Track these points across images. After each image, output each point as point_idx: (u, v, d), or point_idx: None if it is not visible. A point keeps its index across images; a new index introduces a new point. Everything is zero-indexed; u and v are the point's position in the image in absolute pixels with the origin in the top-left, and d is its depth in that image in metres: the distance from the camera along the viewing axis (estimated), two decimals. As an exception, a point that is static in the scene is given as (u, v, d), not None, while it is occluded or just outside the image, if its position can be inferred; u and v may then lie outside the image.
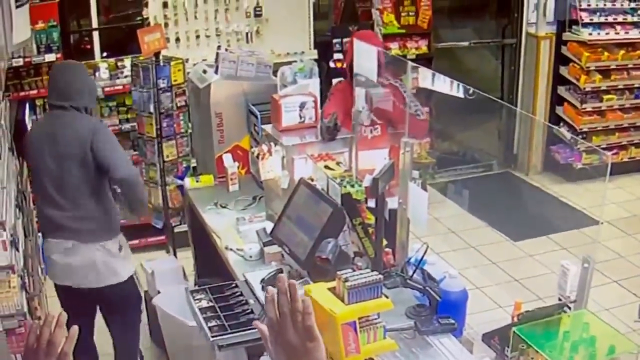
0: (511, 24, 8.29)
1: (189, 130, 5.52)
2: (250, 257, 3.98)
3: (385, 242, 3.56)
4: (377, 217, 3.41)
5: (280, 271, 3.69)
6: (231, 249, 4.10)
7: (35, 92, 6.28)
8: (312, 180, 3.83)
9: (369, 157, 3.86)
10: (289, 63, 5.13)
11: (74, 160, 4.20)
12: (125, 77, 6.39)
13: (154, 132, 5.33)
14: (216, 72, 5.16)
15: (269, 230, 3.93)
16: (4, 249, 3.24)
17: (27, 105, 6.24)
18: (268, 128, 4.47)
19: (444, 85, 3.20)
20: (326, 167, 3.87)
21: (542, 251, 6.47)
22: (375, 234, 3.45)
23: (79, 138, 4.20)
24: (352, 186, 3.55)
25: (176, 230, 5.58)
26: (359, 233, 3.49)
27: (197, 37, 6.66)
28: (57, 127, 4.26)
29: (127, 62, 6.36)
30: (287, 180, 4.15)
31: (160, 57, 5.42)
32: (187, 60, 6.02)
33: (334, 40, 7.22)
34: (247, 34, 6.81)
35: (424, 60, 7.17)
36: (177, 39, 6.61)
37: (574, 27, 7.90)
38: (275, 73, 4.95)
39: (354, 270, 2.52)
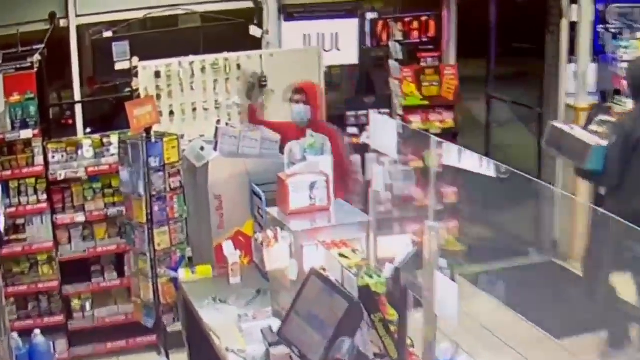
0: (547, 94, 8.40)
1: (184, 215, 5.61)
2: (254, 359, 3.98)
3: (409, 342, 3.56)
4: (400, 313, 3.42)
5: (289, 376, 3.69)
6: (232, 351, 4.09)
7: (9, 173, 6.40)
8: (325, 270, 3.83)
9: (389, 243, 3.89)
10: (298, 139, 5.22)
11: None
12: (112, 155, 6.50)
13: (144, 217, 5.40)
14: (215, 148, 5.27)
15: (275, 329, 3.94)
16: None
17: (0, 189, 6.33)
18: (274, 211, 4.52)
19: (473, 162, 3.26)
20: (340, 255, 3.87)
21: (589, 351, 6.42)
22: (398, 332, 3.46)
23: None
24: (371, 277, 3.54)
25: (169, 329, 5.59)
26: (379, 331, 3.49)
27: (194, 110, 6.76)
28: None
29: (113, 138, 6.48)
30: (295, 271, 4.16)
31: (152, 133, 5.56)
32: (182, 136, 6.15)
33: (348, 113, 7.33)
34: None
35: (449, 134, 7.25)
36: (171, 113, 6.71)
37: (616, 97, 7.99)
38: (282, 150, 5.04)
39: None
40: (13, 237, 6.45)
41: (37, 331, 6.08)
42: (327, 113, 7.09)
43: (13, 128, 6.44)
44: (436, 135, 4.19)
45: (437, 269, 3.43)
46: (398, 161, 4.11)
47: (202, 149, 5.44)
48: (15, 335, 6.12)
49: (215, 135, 5.33)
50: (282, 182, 4.44)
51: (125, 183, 5.57)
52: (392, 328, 3.48)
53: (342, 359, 3.29)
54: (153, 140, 5.49)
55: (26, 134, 6.37)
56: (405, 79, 7.57)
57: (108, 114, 7.21)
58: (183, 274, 5.06)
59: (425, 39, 7.73)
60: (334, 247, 4.00)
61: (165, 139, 5.51)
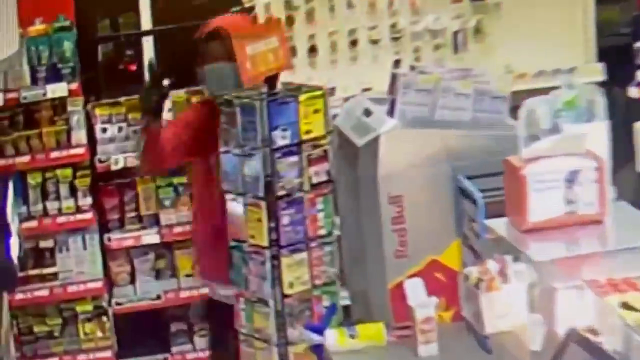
0: None
1: (334, 232, 5.77)
2: None
3: None
4: None
5: None
6: None
7: (26, 159, 6.81)
8: (595, 333, 3.84)
9: None
10: (545, 92, 5.18)
11: None
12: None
13: (265, 238, 5.57)
14: (391, 113, 5.32)
15: None
16: None
17: (11, 187, 6.55)
18: (499, 226, 4.58)
19: None
20: (624, 305, 3.85)
21: None
22: None
23: None
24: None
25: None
26: None
27: (353, 43, 7.00)
28: None
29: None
30: (540, 335, 4.18)
31: (279, 87, 5.78)
32: (332, 90, 6.41)
33: (638, 44, 7.21)
34: (456, 34, 7.11)
35: None
36: (312, 49, 6.99)
37: None
38: (514, 113, 5.03)
39: None
40: (34, 272, 6.73)
41: None
42: (598, 45, 7.08)
43: (34, 81, 6.85)
44: None
45: None
46: None
47: (367, 113, 5.50)
48: None
49: (392, 89, 5.38)
50: (516, 173, 4.47)
51: (229, 176, 5.71)
52: None
53: None
54: (280, 99, 5.66)
55: (57, 90, 6.79)
56: None
57: (198, 54, 7.36)
58: (334, 338, 5.14)
59: None
60: (613, 292, 3.98)
61: (302, 97, 5.69)
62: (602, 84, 6.19)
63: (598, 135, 4.52)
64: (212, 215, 6.03)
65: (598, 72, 7.05)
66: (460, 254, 5.15)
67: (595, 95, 4.70)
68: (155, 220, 6.80)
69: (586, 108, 4.73)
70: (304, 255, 5.70)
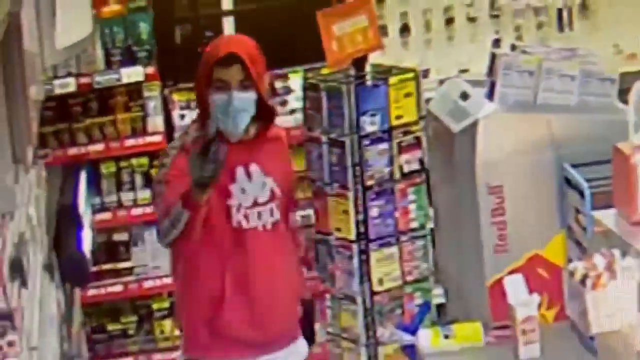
0: None
1: (429, 226, 5.73)
2: None
3: None
4: None
5: None
6: None
7: (100, 147, 6.83)
8: None
9: None
10: (657, 73, 5.16)
11: None
12: (291, 112, 6.84)
13: (352, 230, 5.58)
14: (491, 96, 5.26)
15: None
16: None
17: (84, 177, 6.59)
18: (608, 218, 4.53)
19: None
20: None
21: None
22: None
23: None
24: None
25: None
26: None
27: (449, 21, 6.97)
28: None
29: (294, 80, 6.80)
30: (653, 336, 4.12)
31: (368, 69, 5.78)
32: (425, 72, 6.38)
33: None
34: (560, 11, 7.02)
35: None
36: (404, 29, 6.93)
37: None
38: (624, 96, 4.96)
39: None
40: (107, 266, 6.76)
41: None
42: None
43: (109, 65, 6.86)
44: None
45: None
46: None
47: (464, 96, 5.46)
48: None
49: (491, 71, 5.33)
50: (626, 161, 4.41)
51: (313, 164, 5.67)
52: None
53: None
54: (370, 82, 5.65)
55: (133, 74, 6.79)
56: None
57: (283, 35, 7.36)
58: (428, 338, 5.09)
59: None
60: None
61: (392, 80, 5.67)
62: None
63: None
64: None
65: None
66: (564, 249, 5.11)
67: None
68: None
69: None
70: (394, 249, 5.69)
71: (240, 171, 4.72)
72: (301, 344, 5.04)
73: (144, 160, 6.72)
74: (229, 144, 4.57)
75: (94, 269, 6.36)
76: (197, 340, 4.85)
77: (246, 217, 4.71)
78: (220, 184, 4.62)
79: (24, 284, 3.79)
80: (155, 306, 6.88)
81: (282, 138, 5.02)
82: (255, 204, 4.71)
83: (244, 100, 4.53)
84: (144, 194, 6.69)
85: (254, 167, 4.74)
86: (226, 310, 4.75)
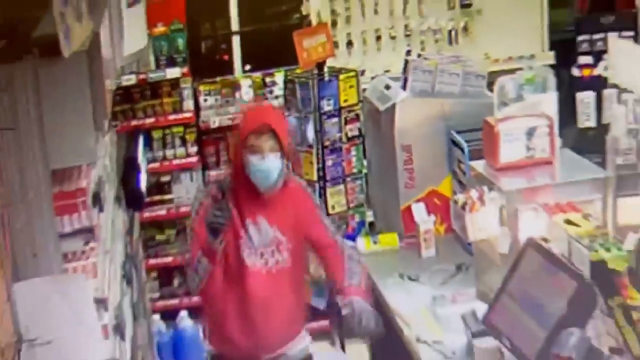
0: None
1: (364, 171, 5.76)
2: (454, 353, 3.95)
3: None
4: (648, 296, 3.31)
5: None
6: (424, 342, 4.10)
7: (152, 120, 6.74)
8: (546, 241, 3.77)
9: (633, 206, 3.77)
10: (512, 72, 5.12)
11: None
12: (276, 97, 6.64)
13: (314, 174, 5.60)
14: (404, 87, 5.28)
15: (480, 315, 3.90)
16: (105, 336, 3.33)
17: (141, 139, 6.60)
18: (479, 166, 4.50)
19: None
20: (567, 221, 3.80)
21: None
22: (643, 321, 3.35)
23: None
24: (608, 250, 3.45)
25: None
26: (617, 320, 3.39)
27: (378, 38, 6.85)
28: None
29: (278, 77, 6.64)
30: (507, 242, 4.11)
31: (325, 69, 5.73)
32: (362, 72, 6.31)
33: (579, 38, 7.13)
34: (450, 32, 6.95)
35: None
36: (349, 43, 6.84)
37: None
38: (490, 87, 4.98)
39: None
40: (156, 197, 6.79)
41: (184, 313, 6.33)
42: (550, 38, 7.13)
43: (158, 66, 6.77)
44: None
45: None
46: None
47: (387, 87, 5.47)
48: (157, 317, 6.37)
49: (405, 70, 5.36)
50: (491, 129, 4.40)
51: (291, 132, 5.66)
52: (635, 316, 3.36)
53: (568, 356, 3.20)
54: (327, 78, 5.64)
55: (173, 72, 6.67)
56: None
57: (271, 47, 7.35)
58: (363, 244, 5.13)
59: None
60: (559, 212, 3.94)
61: (341, 77, 5.65)
62: (552, 66, 6.13)
63: (549, 102, 4.49)
64: None
65: (550, 57, 7.06)
66: (451, 186, 5.16)
67: (548, 74, 4.70)
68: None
69: (541, 83, 4.70)
70: (342, 187, 5.77)
71: (249, 221, 4.20)
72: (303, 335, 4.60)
73: (181, 129, 6.75)
74: (244, 196, 4.20)
75: (147, 199, 6.40)
76: (213, 338, 4.45)
77: (252, 259, 4.18)
78: (234, 230, 4.16)
79: (101, 209, 3.79)
80: (187, 223, 6.91)
81: (299, 188, 4.41)
82: (262, 249, 4.19)
83: (273, 161, 4.10)
84: (180, 151, 6.75)
85: (261, 218, 4.21)
86: (228, 326, 4.29)
